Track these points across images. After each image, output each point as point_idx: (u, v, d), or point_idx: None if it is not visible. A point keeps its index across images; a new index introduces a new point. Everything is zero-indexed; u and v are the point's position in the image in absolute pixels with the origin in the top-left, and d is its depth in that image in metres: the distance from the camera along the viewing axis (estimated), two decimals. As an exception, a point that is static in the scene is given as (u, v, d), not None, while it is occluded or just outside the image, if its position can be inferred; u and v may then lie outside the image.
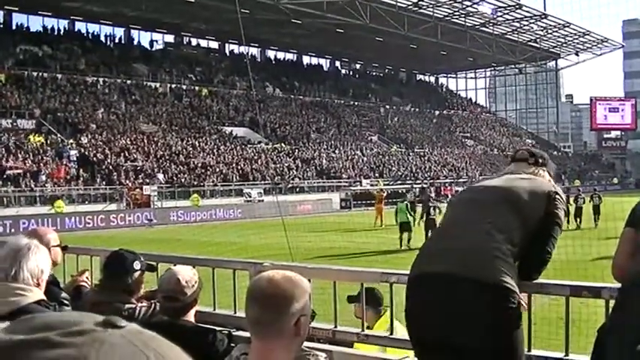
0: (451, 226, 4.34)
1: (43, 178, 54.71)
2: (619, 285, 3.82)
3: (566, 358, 4.34)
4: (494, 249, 3.95)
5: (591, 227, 39.41)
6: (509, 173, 4.47)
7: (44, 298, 4.16)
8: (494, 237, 3.99)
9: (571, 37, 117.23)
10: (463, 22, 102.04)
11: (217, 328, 5.01)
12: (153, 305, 5.21)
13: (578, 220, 41.70)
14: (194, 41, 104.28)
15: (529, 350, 4.34)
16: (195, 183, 63.08)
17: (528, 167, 4.47)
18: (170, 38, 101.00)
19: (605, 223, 29.80)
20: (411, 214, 35.08)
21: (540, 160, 4.53)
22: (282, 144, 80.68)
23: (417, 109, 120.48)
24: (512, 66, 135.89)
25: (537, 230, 4.16)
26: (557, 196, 4.26)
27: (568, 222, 39.95)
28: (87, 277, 6.26)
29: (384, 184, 76.48)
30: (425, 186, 64.85)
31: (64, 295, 5.50)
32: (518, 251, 4.07)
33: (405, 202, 37.82)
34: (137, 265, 5.46)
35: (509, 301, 3.86)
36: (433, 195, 45.93)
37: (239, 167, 69.65)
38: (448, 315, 3.87)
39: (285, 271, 3.28)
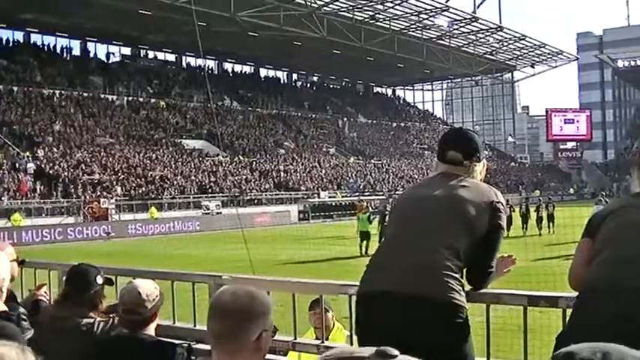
0: (399, 241, 4.26)
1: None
2: (576, 294, 3.87)
3: (524, 367, 4.38)
4: (443, 266, 3.94)
5: (549, 234, 42.51)
6: (445, 176, 4.38)
7: (5, 309, 4.12)
8: (443, 253, 3.98)
9: (527, 49, 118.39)
10: (419, 35, 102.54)
11: (177, 342, 5.00)
12: (111, 320, 5.19)
13: (539, 226, 44.72)
14: (151, 54, 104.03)
15: (488, 360, 4.38)
16: (153, 196, 62.83)
17: (463, 168, 4.40)
18: (127, 50, 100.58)
19: (563, 229, 30.63)
20: (370, 223, 36.48)
21: (474, 158, 4.44)
22: (240, 156, 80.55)
23: (374, 121, 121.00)
24: (469, 78, 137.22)
25: (482, 242, 4.18)
26: (499, 206, 4.23)
27: (526, 229, 42.31)
28: (45, 292, 6.20)
29: (342, 196, 76.73)
30: (384, 198, 65.36)
31: (21, 310, 5.45)
32: (463, 265, 4.10)
33: (368, 213, 38.80)
34: (99, 279, 5.44)
35: (459, 317, 3.90)
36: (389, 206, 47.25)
37: (197, 180, 69.52)
38: (401, 331, 3.87)
39: (248, 286, 3.29)
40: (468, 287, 4.22)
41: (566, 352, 1.97)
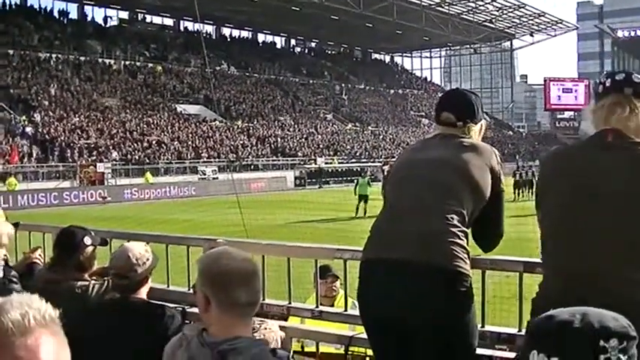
0: (402, 207, 4.20)
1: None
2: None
3: (519, 333, 4.37)
4: (449, 233, 3.90)
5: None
6: (443, 138, 4.33)
7: None
8: (448, 219, 3.93)
9: (526, 17, 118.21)
10: (418, 2, 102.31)
11: (170, 305, 4.97)
12: (106, 282, 5.16)
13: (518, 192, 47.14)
14: (148, 18, 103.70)
15: (482, 326, 4.36)
16: (149, 160, 62.75)
17: (457, 129, 4.32)
18: (124, 15, 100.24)
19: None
20: (370, 187, 38.13)
21: (468, 119, 4.36)
22: (237, 122, 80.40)
23: (372, 88, 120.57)
24: (467, 46, 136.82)
25: (488, 205, 4.14)
26: (499, 169, 4.23)
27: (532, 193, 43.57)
28: (40, 255, 6.18)
29: (339, 162, 76.73)
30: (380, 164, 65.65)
31: (12, 272, 5.44)
32: (469, 230, 4.08)
33: (367, 177, 40.90)
34: (87, 240, 5.37)
35: (463, 285, 3.87)
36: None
37: (193, 145, 69.46)
38: (404, 298, 3.85)
39: (232, 248, 3.28)
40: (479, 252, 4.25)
41: (546, 315, 1.98)
